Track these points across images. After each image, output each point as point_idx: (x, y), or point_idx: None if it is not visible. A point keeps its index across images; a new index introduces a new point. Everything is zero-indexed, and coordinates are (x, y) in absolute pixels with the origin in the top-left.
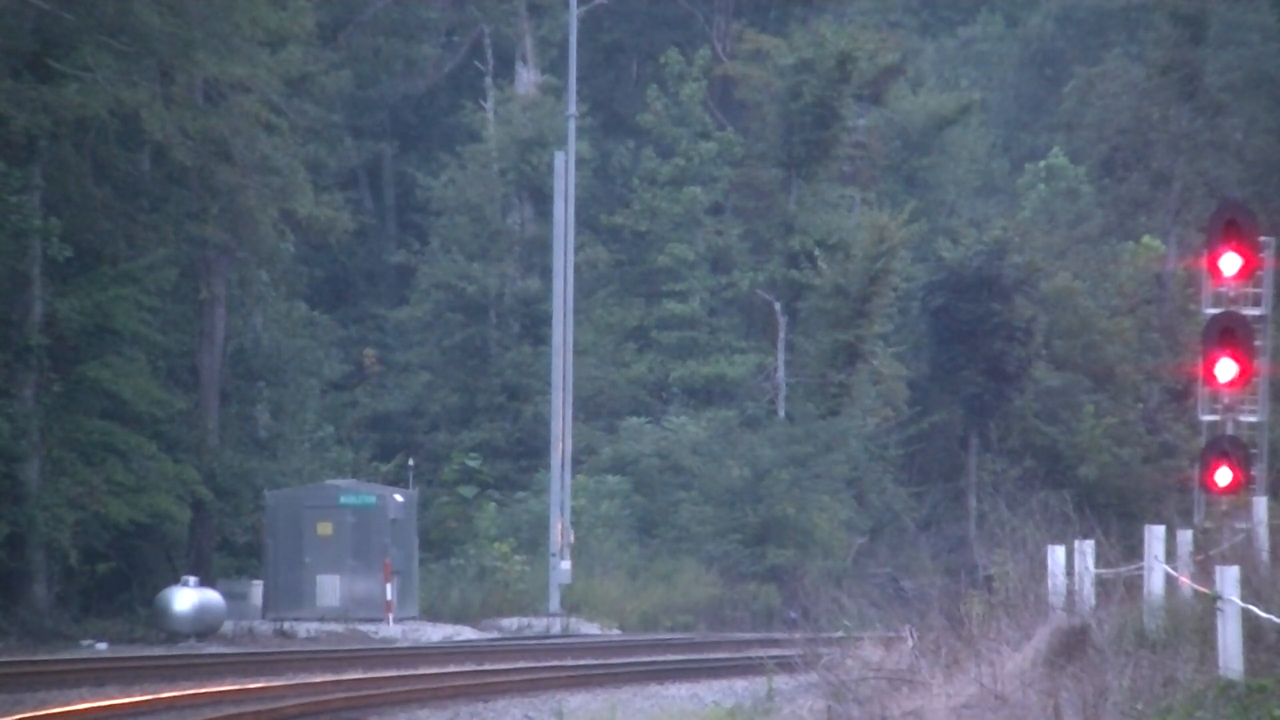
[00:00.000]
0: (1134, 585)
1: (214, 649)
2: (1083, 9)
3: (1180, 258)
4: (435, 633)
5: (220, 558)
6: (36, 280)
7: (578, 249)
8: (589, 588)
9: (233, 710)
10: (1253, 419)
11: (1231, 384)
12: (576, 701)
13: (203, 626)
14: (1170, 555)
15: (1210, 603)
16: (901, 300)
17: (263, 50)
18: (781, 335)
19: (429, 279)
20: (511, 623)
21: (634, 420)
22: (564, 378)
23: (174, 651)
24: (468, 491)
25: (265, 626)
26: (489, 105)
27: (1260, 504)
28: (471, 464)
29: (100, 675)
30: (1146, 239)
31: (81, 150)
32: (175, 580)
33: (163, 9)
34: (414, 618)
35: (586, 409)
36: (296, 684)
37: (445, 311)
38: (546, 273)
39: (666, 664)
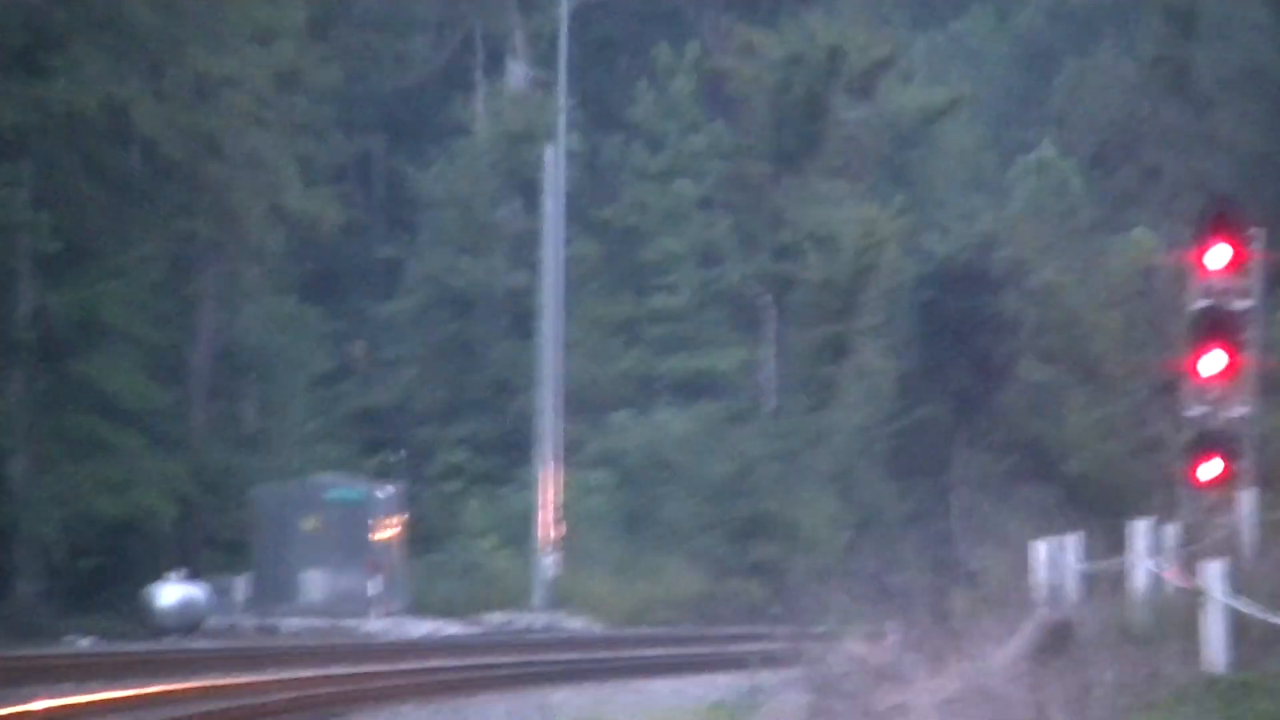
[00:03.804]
0: (1120, 580)
1: (198, 644)
2: (1073, 3)
3: (1169, 251)
4: (420, 627)
5: (207, 553)
6: (25, 275)
7: (567, 243)
8: (575, 582)
9: (217, 705)
10: (1240, 412)
11: (1219, 377)
12: (561, 696)
13: (186, 621)
14: (1156, 549)
15: (1195, 597)
16: (890, 294)
17: (252, 45)
18: (770, 329)
19: (418, 273)
20: (497, 617)
21: (621, 414)
22: (552, 372)
23: (157, 646)
24: (454, 486)
25: (249, 622)
26: (479, 99)
27: (1246, 498)
28: (458, 458)
29: (85, 670)
30: (1136, 232)
31: (71, 145)
32: (161, 576)
33: (153, 5)
34: (399, 612)
35: (573, 403)
36: (279, 679)
37: (433, 306)
38: (535, 267)
39: (652, 659)
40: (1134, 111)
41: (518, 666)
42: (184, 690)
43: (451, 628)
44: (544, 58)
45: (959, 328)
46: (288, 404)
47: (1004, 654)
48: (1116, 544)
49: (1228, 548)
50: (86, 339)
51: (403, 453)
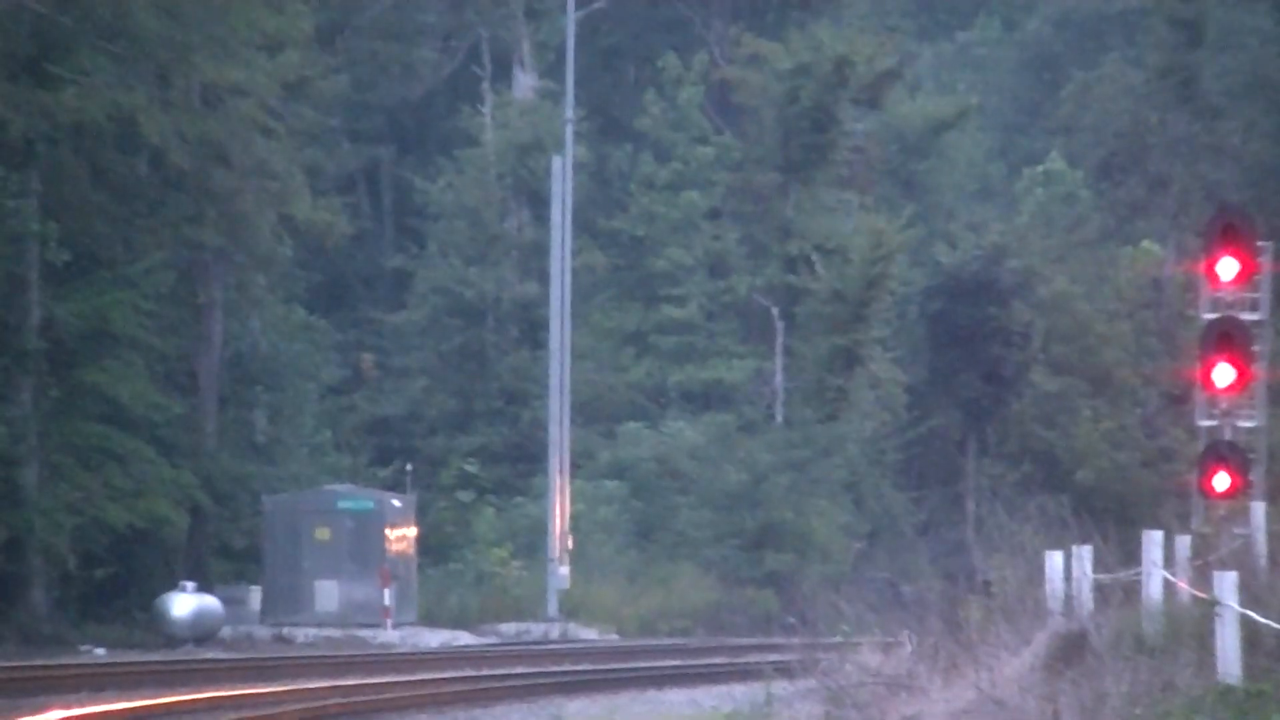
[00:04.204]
0: (1132, 590)
1: (212, 654)
2: (1081, 13)
3: (1178, 262)
4: (433, 638)
5: (218, 563)
6: (34, 284)
7: (575, 253)
8: (587, 593)
9: (231, 715)
10: (1250, 424)
11: (1229, 389)
12: (575, 707)
13: (201, 631)
14: (1168, 560)
15: (1208, 608)
16: (899, 305)
17: (260, 54)
18: (779, 340)
19: (426, 283)
20: (510, 628)
21: (632, 425)
22: (562, 382)
23: (172, 657)
24: (466, 496)
25: (263, 632)
26: (486, 109)
27: (1258, 509)
28: (469, 469)
29: (99, 680)
30: (1145, 243)
31: (79, 154)
32: (173, 585)
33: (160, 13)
34: (412, 623)
35: (584, 414)
36: (295, 689)
37: (443, 316)
38: (544, 277)
39: (664, 669)
40: (1141, 121)
41: (532, 677)
42: (199, 700)
43: (465, 638)
44: (551, 68)
45: (969, 338)
46: (298, 413)
47: (1018, 664)
48: (1129, 554)
49: (1241, 558)
50: (96, 348)
51: (409, 466)
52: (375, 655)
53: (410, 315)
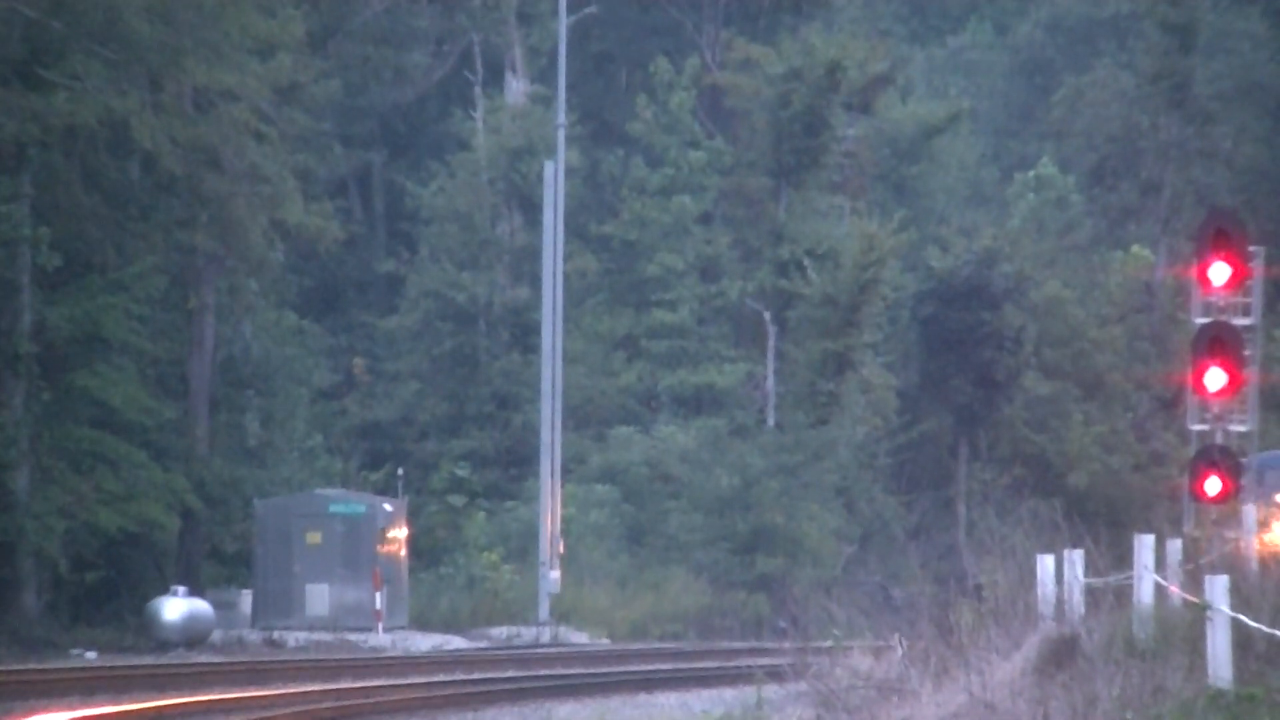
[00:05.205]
0: (1123, 594)
1: (203, 658)
2: (1072, 17)
3: (1169, 267)
4: (424, 642)
5: (210, 566)
6: (26, 288)
7: (567, 258)
8: (578, 597)
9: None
10: (1242, 428)
11: (1221, 393)
12: (566, 710)
13: (192, 635)
14: (1160, 564)
15: (1200, 611)
16: (891, 309)
17: (252, 58)
18: (771, 344)
19: (418, 288)
20: (501, 632)
21: (623, 429)
22: (553, 386)
23: (163, 660)
24: (457, 500)
25: (254, 635)
26: (478, 114)
27: (1249, 513)
28: (461, 473)
29: (90, 684)
30: (1136, 248)
31: (71, 158)
32: (165, 589)
33: (152, 17)
34: (403, 627)
35: (576, 418)
36: (286, 693)
37: (434, 320)
38: (536, 282)
39: (655, 673)
40: (1133, 126)
41: (523, 680)
42: (190, 704)
43: (456, 641)
44: (543, 72)
45: (960, 343)
46: (290, 417)
47: (1009, 667)
48: (1120, 558)
49: (1233, 562)
50: (87, 352)
51: (400, 470)
52: (366, 659)
53: (402, 320)
